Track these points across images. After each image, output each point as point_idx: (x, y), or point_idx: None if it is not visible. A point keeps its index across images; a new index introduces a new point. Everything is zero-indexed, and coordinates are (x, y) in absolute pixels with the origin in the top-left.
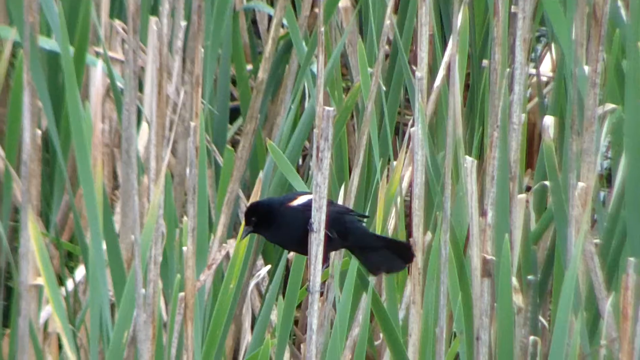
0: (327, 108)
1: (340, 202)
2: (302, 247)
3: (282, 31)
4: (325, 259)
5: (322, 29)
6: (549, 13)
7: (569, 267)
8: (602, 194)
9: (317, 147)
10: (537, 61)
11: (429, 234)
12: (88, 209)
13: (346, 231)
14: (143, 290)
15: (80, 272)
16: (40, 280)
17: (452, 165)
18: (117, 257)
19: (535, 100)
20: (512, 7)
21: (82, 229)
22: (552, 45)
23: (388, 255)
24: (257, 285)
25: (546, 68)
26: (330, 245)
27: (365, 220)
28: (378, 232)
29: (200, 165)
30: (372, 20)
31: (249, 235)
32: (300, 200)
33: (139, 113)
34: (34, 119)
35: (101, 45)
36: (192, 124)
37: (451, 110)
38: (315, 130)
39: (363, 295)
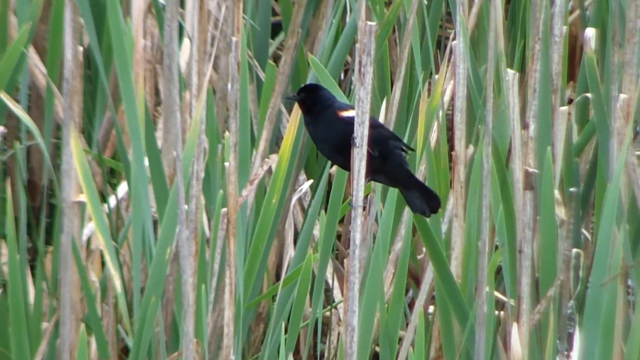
0: (369, 23)
1: (382, 115)
2: (343, 160)
3: None
4: (367, 175)
5: None
6: None
7: (612, 180)
8: None
9: (360, 62)
10: None
11: (471, 147)
12: (130, 126)
13: (387, 154)
14: (185, 207)
15: (122, 188)
16: (83, 198)
17: (494, 78)
18: (159, 173)
19: (577, 12)
20: None
21: (124, 145)
22: None
23: (419, 196)
24: (300, 200)
25: None
26: (371, 163)
27: (409, 153)
28: (419, 145)
29: (242, 80)
30: None
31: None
32: (350, 113)
33: (181, 29)
34: (75, 35)
35: None
36: (234, 39)
37: (492, 23)
38: (357, 45)
39: (405, 209)
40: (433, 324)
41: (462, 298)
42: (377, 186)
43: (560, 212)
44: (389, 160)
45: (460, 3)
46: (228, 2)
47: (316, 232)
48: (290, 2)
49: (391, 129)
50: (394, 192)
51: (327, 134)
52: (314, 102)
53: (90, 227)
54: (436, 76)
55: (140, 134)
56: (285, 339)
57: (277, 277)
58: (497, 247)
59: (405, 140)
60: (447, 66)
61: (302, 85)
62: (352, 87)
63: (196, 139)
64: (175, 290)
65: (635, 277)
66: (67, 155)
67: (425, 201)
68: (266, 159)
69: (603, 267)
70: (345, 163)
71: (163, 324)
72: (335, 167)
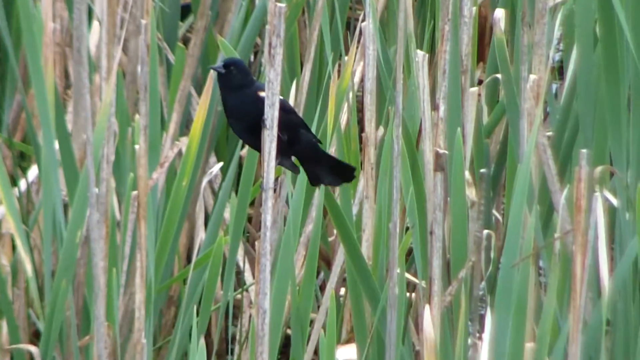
0: (278, 4)
1: (292, 97)
2: (254, 140)
3: None
4: (277, 157)
5: None
6: None
7: (522, 160)
8: (554, 86)
9: (269, 44)
10: None
11: (381, 129)
12: (40, 109)
13: (296, 138)
14: (96, 190)
15: (32, 172)
16: None
17: (404, 59)
18: (69, 156)
19: None
20: None
21: (34, 128)
22: None
23: (329, 171)
24: (210, 182)
25: None
26: (280, 146)
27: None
28: (330, 127)
29: (152, 63)
30: None
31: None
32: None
33: (90, 11)
34: None
35: None
36: (143, 21)
37: (402, 4)
38: (267, 26)
39: (316, 191)
40: (344, 307)
41: (373, 280)
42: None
43: (471, 193)
44: (297, 145)
45: None
46: None
47: (227, 214)
48: None
49: (301, 110)
50: (304, 174)
51: (242, 113)
52: (237, 78)
53: (0, 211)
54: (346, 58)
55: (50, 117)
56: (197, 322)
57: (188, 260)
58: (408, 229)
59: (315, 122)
60: (357, 47)
61: (227, 58)
62: (262, 69)
63: (106, 122)
64: (86, 274)
65: (547, 258)
66: None
67: (339, 173)
68: (176, 142)
69: (514, 249)
70: (256, 144)
71: (74, 307)
72: (245, 149)
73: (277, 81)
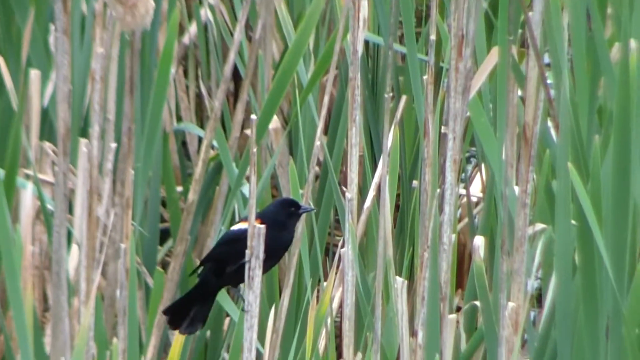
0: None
1: (270, 322)
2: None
3: (212, 153)
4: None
5: (254, 149)
6: (480, 133)
7: None
8: (532, 313)
9: (249, 267)
10: (467, 181)
11: (359, 355)
12: (18, 331)
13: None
14: None
15: None
16: None
17: (383, 285)
18: None
19: (466, 220)
20: (443, 127)
21: (12, 351)
22: (482, 166)
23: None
24: None
25: (476, 188)
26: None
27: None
28: (308, 353)
29: (131, 287)
30: (302, 141)
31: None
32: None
33: (69, 235)
34: None
35: (31, 167)
36: (123, 245)
37: (381, 231)
38: (247, 251)
39: None
40: None
41: None
42: None
43: None
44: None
45: (349, 210)
46: (117, 209)
47: None
48: (179, 208)
49: (279, 336)
50: None
51: (279, 252)
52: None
53: None
54: (325, 283)
55: (28, 340)
56: None
57: None
58: None
59: (293, 347)
60: (336, 273)
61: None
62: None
63: (84, 345)
64: None
65: None
66: None
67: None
68: None
69: None
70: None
71: None
72: None
73: (256, 304)
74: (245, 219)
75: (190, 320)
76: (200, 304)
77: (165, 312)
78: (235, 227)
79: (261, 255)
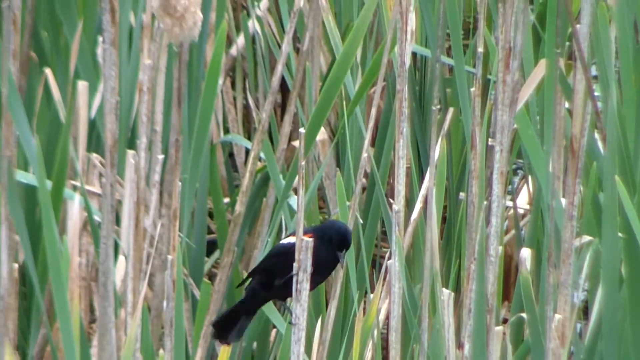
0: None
1: (317, 334)
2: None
3: (259, 164)
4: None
5: (303, 162)
6: (527, 146)
7: None
8: (578, 325)
9: (296, 280)
10: (514, 194)
11: None
12: (65, 343)
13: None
14: None
15: None
16: None
17: (429, 297)
18: None
19: (512, 232)
20: (490, 139)
21: None
22: (529, 178)
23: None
24: None
25: (523, 201)
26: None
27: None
28: None
29: (177, 298)
30: (349, 153)
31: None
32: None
33: (116, 246)
34: (11, 252)
35: (78, 178)
36: (169, 257)
37: (428, 243)
38: (294, 264)
39: None
40: None
41: None
42: None
43: None
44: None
45: (396, 222)
46: (164, 220)
47: None
48: (226, 220)
49: (326, 347)
50: None
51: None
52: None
53: None
54: (371, 295)
55: (75, 351)
56: None
57: None
58: None
59: (340, 359)
60: (383, 285)
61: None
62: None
63: (131, 357)
64: None
65: None
66: None
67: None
68: None
69: None
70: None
71: None
72: None
73: (303, 317)
74: (303, 232)
75: (237, 330)
76: (246, 316)
77: (214, 325)
78: (285, 241)
79: (309, 268)
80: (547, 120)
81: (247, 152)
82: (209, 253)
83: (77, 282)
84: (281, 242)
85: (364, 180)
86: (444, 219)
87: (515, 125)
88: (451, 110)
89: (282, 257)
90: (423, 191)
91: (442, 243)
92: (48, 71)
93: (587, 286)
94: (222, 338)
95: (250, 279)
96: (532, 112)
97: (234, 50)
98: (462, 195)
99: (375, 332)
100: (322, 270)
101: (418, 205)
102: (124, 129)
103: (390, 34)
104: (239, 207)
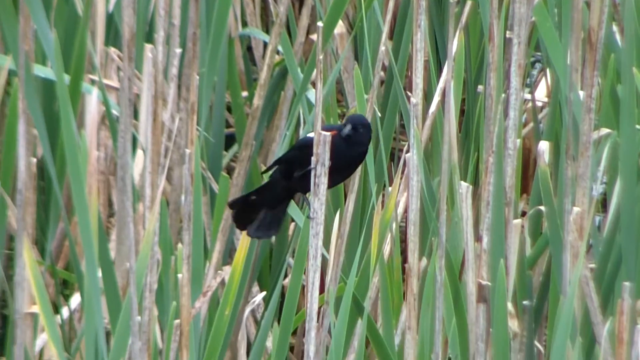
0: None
1: (335, 228)
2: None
3: (277, 58)
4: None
5: (321, 56)
6: (545, 38)
7: (566, 293)
8: (597, 218)
9: (314, 173)
10: (532, 86)
11: (424, 260)
12: (83, 237)
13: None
14: (138, 318)
15: (75, 300)
16: (36, 309)
17: (448, 191)
18: (112, 284)
19: (531, 125)
20: (508, 32)
21: (77, 256)
22: (547, 71)
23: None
24: (253, 312)
25: (541, 93)
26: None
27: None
28: (373, 258)
29: (196, 192)
30: (367, 47)
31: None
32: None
33: (134, 140)
34: (29, 147)
35: (96, 72)
36: (188, 151)
37: (446, 136)
38: (312, 157)
39: (358, 321)
40: None
41: None
42: (330, 298)
43: (514, 324)
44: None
45: (414, 116)
46: (182, 114)
47: (269, 343)
48: (244, 114)
49: (344, 241)
50: (347, 304)
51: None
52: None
53: (43, 339)
54: (390, 188)
55: (93, 246)
56: None
57: None
58: None
59: (358, 252)
60: (401, 178)
61: (354, 118)
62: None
63: (149, 250)
64: None
65: None
66: (20, 266)
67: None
68: (219, 271)
69: None
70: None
71: None
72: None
73: (321, 210)
74: (326, 129)
75: (259, 223)
76: (268, 206)
77: (232, 205)
78: (310, 134)
79: (327, 162)
80: (565, 12)
81: (265, 45)
82: (227, 147)
83: (95, 176)
84: (307, 135)
85: (382, 73)
86: (462, 112)
87: (533, 18)
88: (469, 2)
89: (303, 150)
90: (441, 84)
91: (460, 136)
92: None
93: (606, 178)
94: (241, 226)
95: (274, 168)
96: (550, 4)
97: None
98: (480, 88)
99: (394, 225)
100: (342, 169)
101: (436, 98)
102: (141, 23)
103: None
104: (257, 101)
